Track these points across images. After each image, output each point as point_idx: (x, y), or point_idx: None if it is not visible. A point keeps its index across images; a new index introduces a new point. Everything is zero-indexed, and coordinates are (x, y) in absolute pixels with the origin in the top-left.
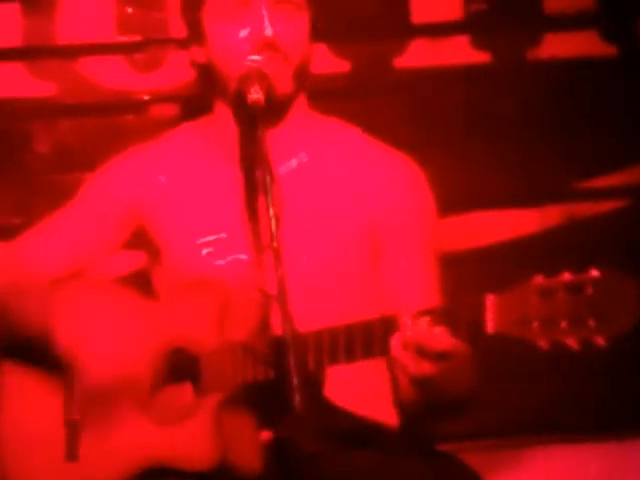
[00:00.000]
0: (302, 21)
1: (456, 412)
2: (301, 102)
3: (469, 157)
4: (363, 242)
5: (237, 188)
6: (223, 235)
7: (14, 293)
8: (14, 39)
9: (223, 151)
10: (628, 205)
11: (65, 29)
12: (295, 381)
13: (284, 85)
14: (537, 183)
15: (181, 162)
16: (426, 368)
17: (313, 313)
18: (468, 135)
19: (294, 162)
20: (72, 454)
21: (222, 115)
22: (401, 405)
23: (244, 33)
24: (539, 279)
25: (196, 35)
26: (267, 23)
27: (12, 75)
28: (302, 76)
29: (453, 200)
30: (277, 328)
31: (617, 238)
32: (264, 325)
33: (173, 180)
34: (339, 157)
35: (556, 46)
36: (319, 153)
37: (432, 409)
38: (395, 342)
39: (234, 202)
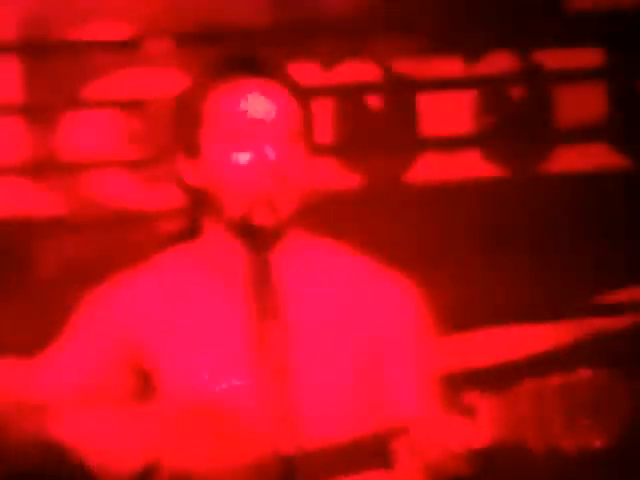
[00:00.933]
0: (301, 149)
1: None
2: (296, 228)
3: (483, 272)
4: (362, 363)
5: (234, 312)
6: (221, 361)
7: (17, 415)
8: (19, 155)
9: (217, 274)
10: None
11: (71, 145)
12: None
13: (287, 209)
14: (552, 298)
15: (171, 288)
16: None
17: (318, 432)
18: (480, 249)
19: (293, 282)
20: None
21: (214, 237)
22: None
23: (246, 157)
24: (530, 383)
25: (190, 154)
26: (270, 148)
27: (18, 192)
28: (300, 200)
29: (467, 315)
30: (283, 449)
31: (632, 354)
32: (269, 449)
33: (164, 307)
34: (335, 277)
35: (568, 159)
36: (313, 275)
37: None
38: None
39: (232, 327)
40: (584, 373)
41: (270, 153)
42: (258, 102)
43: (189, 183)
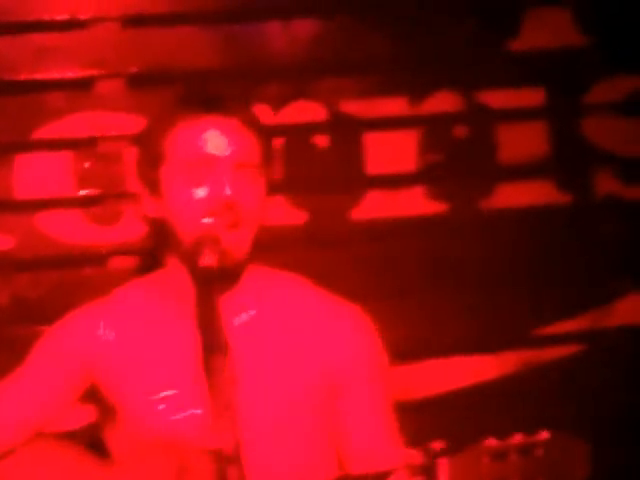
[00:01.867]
0: (260, 185)
1: None
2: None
3: (426, 305)
4: (316, 395)
5: (189, 344)
6: (176, 391)
7: None
8: None
9: (174, 306)
10: (581, 351)
11: (23, 184)
12: None
13: (239, 250)
14: (493, 330)
15: (131, 319)
16: None
17: (269, 469)
18: (425, 284)
19: (245, 315)
20: None
21: (174, 270)
22: None
23: (203, 193)
24: (491, 442)
25: (152, 190)
26: (227, 184)
27: None
28: (254, 241)
29: (412, 348)
30: None
31: (571, 383)
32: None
33: (124, 338)
34: (287, 310)
35: (510, 195)
36: (268, 308)
37: None
38: None
39: (187, 358)
40: (544, 435)
41: (227, 189)
42: (215, 138)
43: (151, 217)
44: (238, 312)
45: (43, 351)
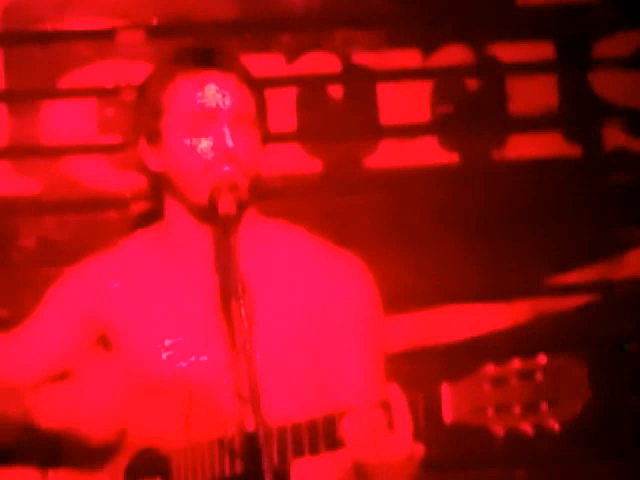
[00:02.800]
0: (256, 136)
1: None
2: (250, 210)
3: (439, 253)
4: (312, 340)
5: (194, 292)
6: (182, 338)
7: None
8: (1, 139)
9: (175, 255)
10: (594, 300)
11: (49, 129)
12: (267, 475)
13: (246, 192)
14: (506, 279)
15: (136, 269)
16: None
17: (275, 410)
18: (438, 232)
19: (246, 265)
20: None
21: (174, 221)
22: None
23: (206, 144)
24: (490, 367)
25: (152, 141)
26: (228, 135)
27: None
28: (255, 187)
29: (424, 295)
30: (248, 426)
31: (584, 333)
32: (232, 424)
33: (130, 287)
34: (286, 258)
35: (521, 147)
36: (267, 256)
37: None
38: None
39: (192, 306)
40: (542, 359)
41: (228, 139)
42: (214, 92)
43: (151, 168)
44: (245, 259)
45: (53, 301)
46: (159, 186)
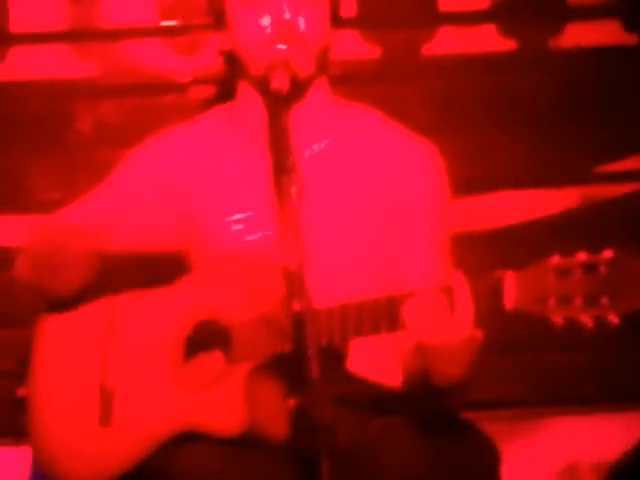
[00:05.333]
0: (321, 5)
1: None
2: (323, 86)
3: (493, 140)
4: (378, 220)
5: (263, 169)
6: (251, 213)
7: (53, 240)
8: (60, 22)
9: (249, 134)
10: None
11: (109, 13)
12: (311, 352)
13: (305, 69)
14: (558, 166)
15: (210, 144)
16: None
17: (332, 288)
18: (493, 119)
19: (317, 145)
20: (105, 419)
21: (246, 99)
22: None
23: (265, 19)
24: (556, 259)
25: (220, 23)
26: (286, 8)
27: (58, 57)
28: (323, 60)
29: (477, 181)
30: (297, 302)
31: (634, 220)
32: (286, 299)
33: (203, 161)
34: (360, 140)
35: (578, 35)
36: (341, 136)
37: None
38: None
39: (260, 182)
40: (608, 253)
41: (287, 13)
42: None
43: (222, 49)
44: (310, 137)
45: (126, 168)
46: (231, 66)
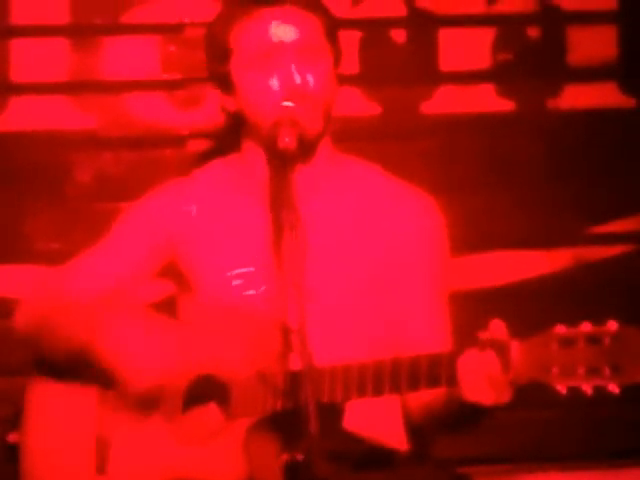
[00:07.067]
0: (326, 65)
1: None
2: (325, 142)
3: (487, 200)
4: (378, 274)
5: (264, 224)
6: (252, 268)
7: (56, 311)
8: (61, 73)
9: (251, 188)
10: (632, 250)
11: (110, 65)
12: (310, 410)
13: (313, 129)
14: (550, 226)
15: (211, 197)
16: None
17: (331, 346)
18: (489, 179)
19: (318, 200)
20: (101, 468)
21: (250, 154)
22: (417, 425)
23: (274, 82)
24: (560, 328)
25: (224, 86)
26: (294, 71)
27: (58, 107)
28: (328, 117)
29: (471, 240)
30: (297, 360)
31: (623, 282)
32: (283, 357)
33: (204, 214)
34: (360, 194)
35: (576, 97)
36: (341, 191)
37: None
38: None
39: (261, 237)
40: (613, 325)
41: (296, 76)
42: (279, 27)
43: (227, 109)
44: (312, 195)
45: (127, 223)
46: (236, 124)
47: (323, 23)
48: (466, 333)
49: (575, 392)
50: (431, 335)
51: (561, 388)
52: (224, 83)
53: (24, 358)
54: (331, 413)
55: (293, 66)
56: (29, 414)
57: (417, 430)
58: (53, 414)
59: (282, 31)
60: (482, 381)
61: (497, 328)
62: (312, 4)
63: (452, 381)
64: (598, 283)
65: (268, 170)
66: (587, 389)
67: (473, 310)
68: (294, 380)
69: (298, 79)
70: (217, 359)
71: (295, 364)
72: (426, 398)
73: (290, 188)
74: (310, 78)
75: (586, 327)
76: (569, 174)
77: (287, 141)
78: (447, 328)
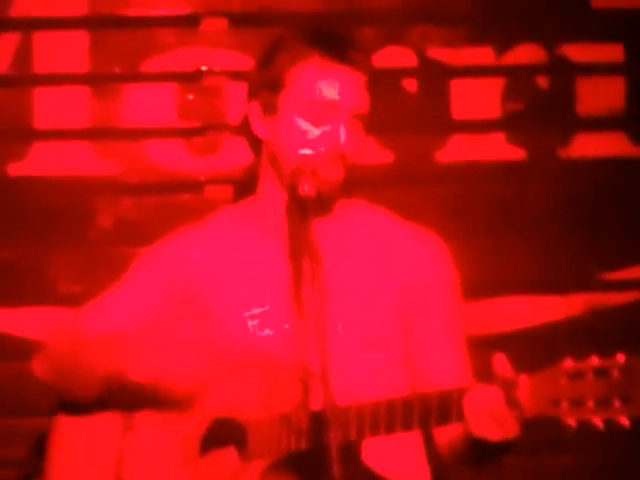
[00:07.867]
0: (363, 133)
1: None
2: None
3: (501, 246)
4: (395, 315)
5: (279, 264)
6: (267, 308)
7: (76, 351)
8: (82, 120)
9: (265, 228)
10: None
11: (130, 112)
12: (334, 453)
13: (335, 185)
14: (563, 273)
15: (224, 241)
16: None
17: (347, 387)
18: (501, 226)
19: (332, 242)
20: None
21: (267, 195)
22: (445, 463)
23: (317, 132)
24: (569, 362)
25: (266, 111)
26: (343, 132)
27: (80, 154)
28: (351, 175)
29: (484, 285)
30: (317, 402)
31: (636, 329)
32: (305, 399)
33: (217, 258)
34: (372, 235)
35: (586, 145)
36: (353, 232)
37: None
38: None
39: (277, 277)
40: (621, 357)
41: (342, 135)
42: (343, 87)
43: (256, 133)
44: (328, 238)
45: (140, 269)
46: (258, 154)
47: (368, 82)
48: (479, 379)
49: (586, 427)
50: (452, 374)
51: (571, 422)
52: (268, 109)
53: (45, 399)
54: (348, 452)
55: (342, 127)
56: (52, 455)
57: (440, 469)
58: (75, 456)
59: (345, 92)
60: (486, 416)
61: (499, 362)
62: (369, 67)
63: (461, 417)
64: (610, 329)
65: (286, 213)
66: (598, 422)
67: (486, 356)
68: (316, 421)
69: (343, 140)
70: (234, 402)
71: (315, 404)
72: (449, 435)
73: (311, 235)
74: (352, 140)
75: (594, 360)
76: (580, 221)
77: (307, 189)
78: (468, 366)
